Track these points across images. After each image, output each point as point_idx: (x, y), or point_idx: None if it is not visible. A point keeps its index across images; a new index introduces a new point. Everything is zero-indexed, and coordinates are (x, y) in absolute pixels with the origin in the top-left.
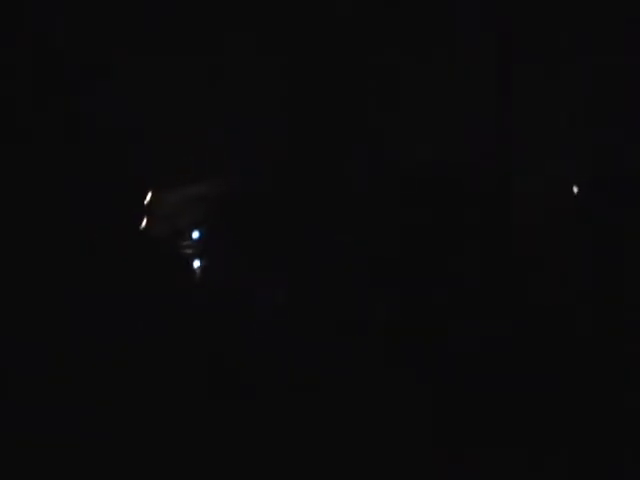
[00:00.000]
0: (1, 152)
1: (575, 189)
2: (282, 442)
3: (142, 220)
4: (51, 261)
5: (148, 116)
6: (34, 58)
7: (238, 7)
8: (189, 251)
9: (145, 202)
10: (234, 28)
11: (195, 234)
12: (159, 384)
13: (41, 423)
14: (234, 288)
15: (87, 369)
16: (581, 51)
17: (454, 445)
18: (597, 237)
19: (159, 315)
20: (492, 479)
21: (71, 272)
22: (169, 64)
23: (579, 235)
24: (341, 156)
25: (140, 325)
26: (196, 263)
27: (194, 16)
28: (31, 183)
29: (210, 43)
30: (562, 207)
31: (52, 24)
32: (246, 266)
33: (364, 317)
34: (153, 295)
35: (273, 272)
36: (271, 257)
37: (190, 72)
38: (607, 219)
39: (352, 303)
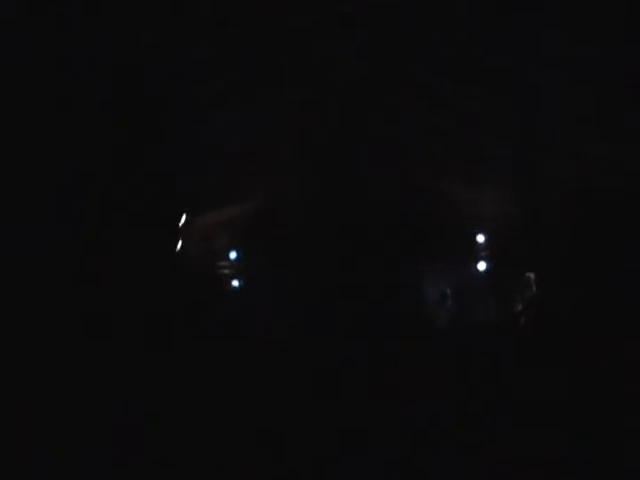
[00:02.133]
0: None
1: None
2: (285, 439)
3: (177, 242)
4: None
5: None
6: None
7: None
8: (226, 271)
9: (180, 224)
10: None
11: (232, 254)
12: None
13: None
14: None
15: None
16: (583, 54)
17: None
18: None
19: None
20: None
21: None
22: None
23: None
24: (360, 168)
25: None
26: (234, 282)
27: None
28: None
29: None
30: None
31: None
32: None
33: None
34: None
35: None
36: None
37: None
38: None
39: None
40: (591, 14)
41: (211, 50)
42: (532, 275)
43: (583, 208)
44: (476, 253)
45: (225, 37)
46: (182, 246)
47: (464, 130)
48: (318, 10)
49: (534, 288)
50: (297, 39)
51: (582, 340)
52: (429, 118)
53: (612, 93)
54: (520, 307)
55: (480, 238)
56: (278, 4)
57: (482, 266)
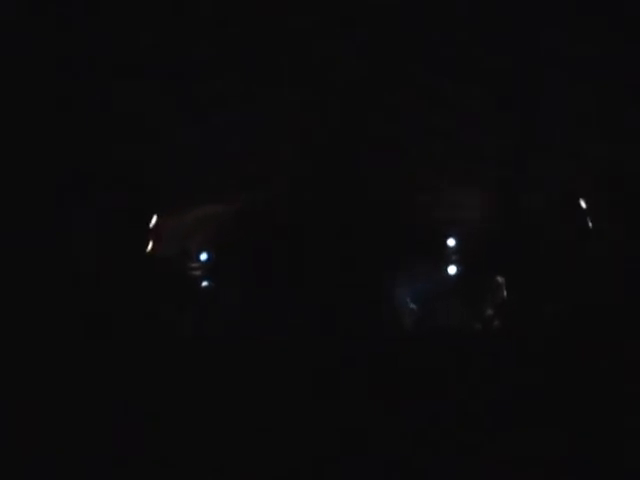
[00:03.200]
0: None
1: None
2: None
3: (147, 243)
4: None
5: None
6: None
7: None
8: (196, 272)
9: (150, 225)
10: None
11: (203, 255)
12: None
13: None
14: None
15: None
16: (583, 54)
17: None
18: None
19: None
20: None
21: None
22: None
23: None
24: (355, 166)
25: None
26: (204, 283)
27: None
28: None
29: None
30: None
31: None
32: (251, 292)
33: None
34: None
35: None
36: (276, 283)
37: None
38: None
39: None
40: (591, 14)
41: (211, 50)
42: (502, 279)
43: (583, 208)
44: (449, 257)
45: (225, 37)
46: (152, 247)
47: (464, 130)
48: (318, 10)
49: (504, 292)
50: (297, 39)
51: (582, 340)
52: (429, 118)
53: (612, 93)
54: (490, 312)
55: (451, 242)
56: (278, 4)
57: (453, 270)
